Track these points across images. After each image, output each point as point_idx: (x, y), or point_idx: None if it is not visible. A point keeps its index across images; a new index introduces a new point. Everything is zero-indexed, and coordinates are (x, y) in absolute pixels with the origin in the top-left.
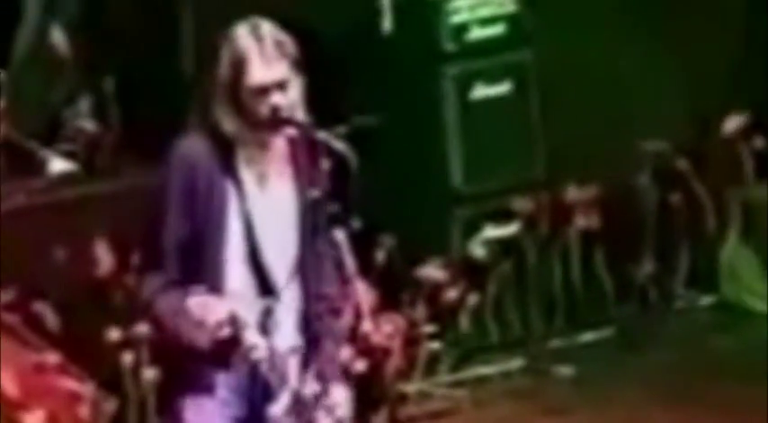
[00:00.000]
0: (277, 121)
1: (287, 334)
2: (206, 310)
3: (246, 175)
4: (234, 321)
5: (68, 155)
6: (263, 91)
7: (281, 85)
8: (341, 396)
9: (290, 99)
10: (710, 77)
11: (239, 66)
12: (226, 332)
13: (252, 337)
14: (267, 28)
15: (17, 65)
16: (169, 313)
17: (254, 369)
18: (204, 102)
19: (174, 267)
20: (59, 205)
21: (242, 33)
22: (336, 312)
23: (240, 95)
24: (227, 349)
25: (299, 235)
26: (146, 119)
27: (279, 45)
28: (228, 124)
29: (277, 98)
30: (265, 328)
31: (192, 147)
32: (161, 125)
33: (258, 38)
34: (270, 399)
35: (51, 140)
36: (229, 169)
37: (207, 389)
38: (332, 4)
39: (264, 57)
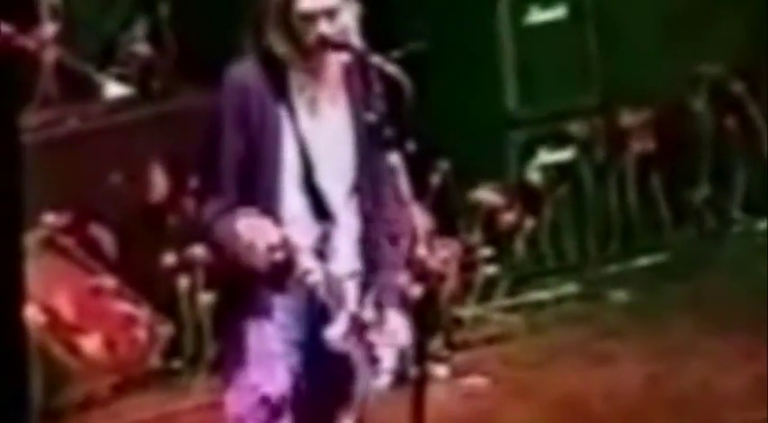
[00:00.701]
0: (329, 45)
1: (344, 258)
2: (256, 233)
3: (299, 99)
4: (286, 244)
5: (123, 79)
6: (311, 18)
7: (329, 14)
8: (399, 323)
9: (344, 24)
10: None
11: None
12: (279, 255)
13: (306, 260)
14: None
15: None
16: (227, 237)
17: (311, 293)
18: (257, 26)
19: (231, 191)
20: (115, 129)
21: None
22: (394, 239)
23: (290, 20)
24: (283, 273)
25: (354, 159)
26: (200, 42)
27: None
28: (280, 47)
29: (324, 27)
30: (322, 252)
31: (245, 72)
32: (215, 48)
33: None
34: (328, 322)
35: (106, 64)
36: (282, 94)
37: (265, 312)
38: None
39: None
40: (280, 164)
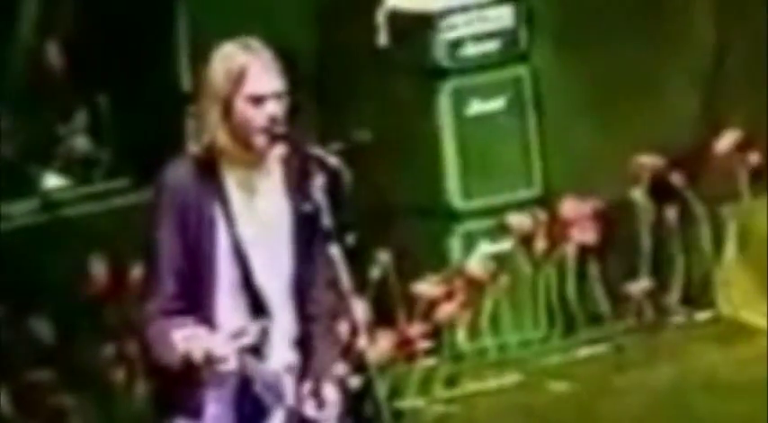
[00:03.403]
0: (270, 135)
1: (280, 351)
2: (192, 344)
3: (236, 196)
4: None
5: (64, 172)
6: (260, 100)
7: (278, 97)
8: (330, 395)
9: (280, 115)
10: (705, 92)
11: (238, 77)
12: (219, 364)
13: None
14: (257, 45)
15: (12, 82)
16: (158, 342)
17: (245, 384)
18: (198, 118)
19: (170, 290)
20: (56, 222)
21: (235, 49)
22: (331, 320)
23: (234, 108)
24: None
25: (293, 253)
26: (140, 134)
27: (273, 59)
28: (222, 139)
29: (274, 108)
30: (260, 349)
31: (182, 172)
32: (156, 141)
33: (253, 51)
34: (264, 417)
35: (47, 158)
36: (218, 193)
37: (196, 406)
38: (327, 21)
39: (263, 68)
40: (216, 264)
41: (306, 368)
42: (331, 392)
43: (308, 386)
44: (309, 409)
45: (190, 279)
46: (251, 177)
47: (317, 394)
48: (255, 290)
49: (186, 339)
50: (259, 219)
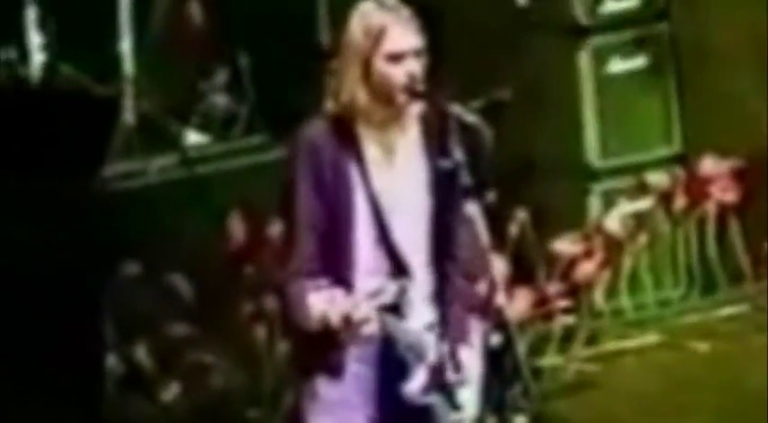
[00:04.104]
0: (409, 93)
1: (420, 310)
2: (328, 305)
3: (373, 155)
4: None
5: (203, 128)
6: (400, 58)
7: (417, 54)
8: (467, 357)
9: (419, 73)
10: None
11: (378, 34)
12: (356, 323)
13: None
14: (395, 2)
15: (154, 38)
16: (296, 304)
17: (386, 344)
18: (337, 77)
19: (309, 249)
20: (194, 179)
21: (373, 7)
22: (470, 278)
23: (374, 67)
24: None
25: (431, 211)
26: (279, 93)
27: (411, 17)
28: (361, 98)
29: (413, 66)
30: (400, 309)
31: (316, 131)
32: (294, 99)
33: (392, 9)
34: (406, 376)
35: (187, 114)
36: (353, 152)
37: (339, 362)
38: None
39: (401, 25)
40: (353, 222)
41: (442, 329)
42: (467, 354)
43: (444, 347)
44: (447, 372)
45: (327, 237)
46: (387, 136)
47: (453, 356)
48: (393, 248)
49: (323, 303)
50: (396, 177)
